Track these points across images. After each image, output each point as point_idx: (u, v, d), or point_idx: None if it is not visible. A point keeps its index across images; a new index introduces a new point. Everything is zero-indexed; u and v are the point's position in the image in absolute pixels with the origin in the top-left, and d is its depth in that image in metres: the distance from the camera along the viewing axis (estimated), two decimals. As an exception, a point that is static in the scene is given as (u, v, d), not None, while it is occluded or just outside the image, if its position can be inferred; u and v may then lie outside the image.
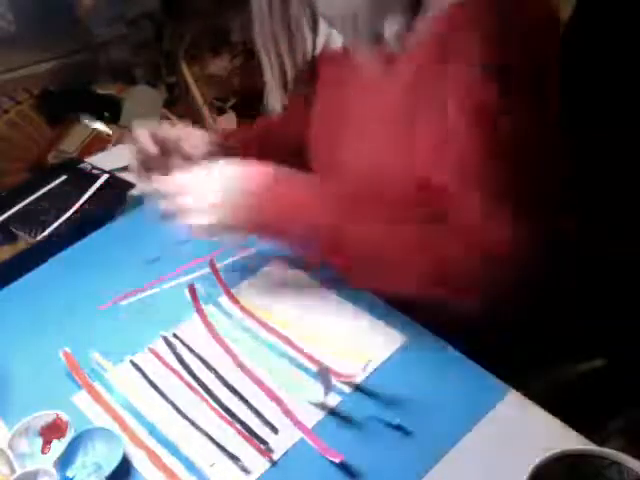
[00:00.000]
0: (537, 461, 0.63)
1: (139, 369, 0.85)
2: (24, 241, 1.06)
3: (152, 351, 0.88)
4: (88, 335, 0.90)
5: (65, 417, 0.76)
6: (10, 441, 0.75)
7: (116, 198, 1.14)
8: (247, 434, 0.77)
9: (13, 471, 0.72)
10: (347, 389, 0.81)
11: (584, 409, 0.80)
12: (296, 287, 0.96)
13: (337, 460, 0.72)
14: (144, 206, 1.15)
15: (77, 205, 1.12)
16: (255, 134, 1.16)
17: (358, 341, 0.87)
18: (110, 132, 2.21)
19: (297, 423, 0.78)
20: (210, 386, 0.83)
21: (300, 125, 1.08)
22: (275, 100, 0.98)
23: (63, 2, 2.46)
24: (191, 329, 0.91)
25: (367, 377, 0.82)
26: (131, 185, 1.15)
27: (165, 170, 0.98)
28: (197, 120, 2.77)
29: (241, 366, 0.85)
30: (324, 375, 0.77)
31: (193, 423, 0.78)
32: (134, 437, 0.77)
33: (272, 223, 0.83)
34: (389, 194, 0.82)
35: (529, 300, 0.80)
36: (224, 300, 0.95)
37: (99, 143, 2.37)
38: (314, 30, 0.95)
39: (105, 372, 0.85)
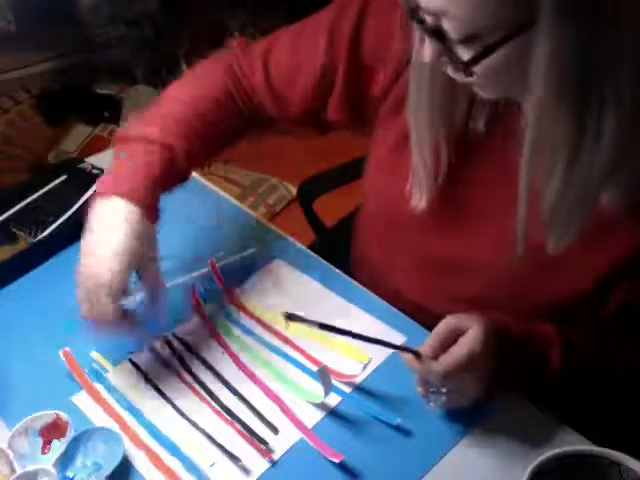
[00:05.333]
0: (536, 461, 0.63)
1: (139, 369, 0.85)
2: (24, 241, 1.06)
3: (152, 351, 0.88)
4: (88, 335, 0.90)
5: (65, 417, 0.76)
6: (10, 441, 0.75)
7: (116, 198, 1.14)
8: (247, 434, 0.77)
9: (13, 471, 0.72)
10: (347, 389, 0.81)
11: (583, 409, 0.80)
12: (296, 287, 0.96)
13: (337, 460, 0.72)
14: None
15: (77, 205, 1.11)
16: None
17: (358, 341, 0.86)
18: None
19: (297, 423, 0.78)
20: (210, 386, 0.83)
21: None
22: (421, 190, 0.82)
23: (63, 2, 2.46)
24: (191, 329, 0.91)
25: (367, 377, 0.83)
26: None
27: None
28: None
29: (241, 366, 0.85)
30: (324, 375, 0.77)
31: (193, 423, 0.78)
32: (134, 437, 0.77)
33: None
34: None
35: None
36: (224, 300, 0.95)
37: (99, 143, 2.38)
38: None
39: (105, 372, 0.85)
